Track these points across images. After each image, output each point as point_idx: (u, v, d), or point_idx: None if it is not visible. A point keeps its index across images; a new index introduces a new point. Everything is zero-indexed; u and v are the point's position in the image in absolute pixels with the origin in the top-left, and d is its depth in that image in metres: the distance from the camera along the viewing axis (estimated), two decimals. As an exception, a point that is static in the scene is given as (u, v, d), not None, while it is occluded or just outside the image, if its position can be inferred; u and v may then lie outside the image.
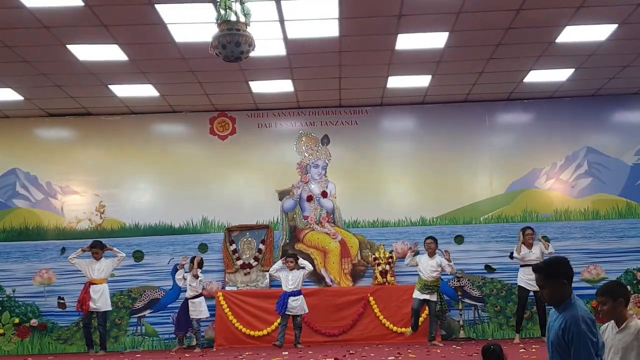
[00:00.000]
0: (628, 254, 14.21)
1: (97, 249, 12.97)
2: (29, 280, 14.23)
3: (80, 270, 13.06)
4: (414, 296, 12.60)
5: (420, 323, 12.68)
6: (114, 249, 13.16)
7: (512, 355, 8.63)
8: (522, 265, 12.65)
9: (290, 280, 12.60)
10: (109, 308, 13.01)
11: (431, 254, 12.71)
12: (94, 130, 14.77)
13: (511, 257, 13.35)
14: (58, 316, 13.97)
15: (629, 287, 13.87)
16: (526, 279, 12.40)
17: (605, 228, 14.38)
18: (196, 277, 12.91)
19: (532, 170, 14.59)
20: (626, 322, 5.91)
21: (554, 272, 5.03)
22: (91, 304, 12.62)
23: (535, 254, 12.55)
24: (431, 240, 12.83)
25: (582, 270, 14.07)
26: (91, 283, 12.74)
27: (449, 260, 12.65)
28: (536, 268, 5.18)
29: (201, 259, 13.32)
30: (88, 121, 14.76)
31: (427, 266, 12.55)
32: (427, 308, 12.61)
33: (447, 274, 13.08)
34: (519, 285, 12.75)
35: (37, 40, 10.68)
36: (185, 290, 13.20)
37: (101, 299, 12.72)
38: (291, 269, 12.70)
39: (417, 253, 12.98)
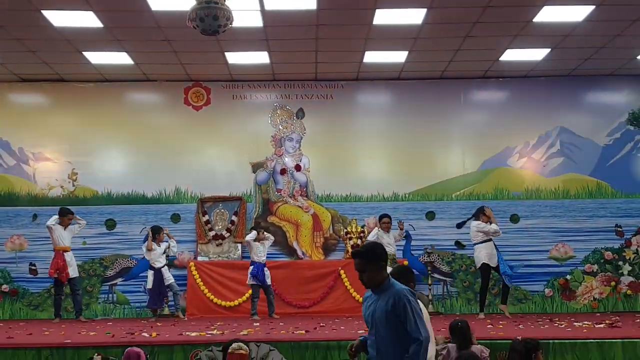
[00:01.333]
0: (597, 234, 14.40)
1: (71, 215, 12.82)
2: (0, 246, 14.14)
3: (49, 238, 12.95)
4: None
5: None
6: (76, 216, 12.99)
7: (478, 331, 8.74)
8: (483, 242, 12.63)
9: (262, 251, 12.71)
10: (77, 274, 12.96)
11: (387, 230, 12.98)
12: (67, 97, 14.65)
13: (458, 226, 13.35)
14: (29, 282, 13.93)
15: (596, 266, 14.09)
16: (487, 253, 12.43)
17: (575, 207, 14.54)
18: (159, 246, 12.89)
19: (504, 148, 14.71)
20: None
21: (373, 255, 5.36)
22: (70, 272, 12.57)
23: (492, 229, 12.49)
24: (387, 219, 13.08)
25: (550, 249, 14.24)
26: (64, 250, 12.63)
27: (401, 229, 13.05)
28: (356, 253, 5.48)
29: (154, 228, 13.17)
30: (62, 87, 14.62)
31: (385, 241, 12.62)
32: None
33: (412, 246, 13.65)
34: (483, 263, 12.52)
35: (12, 4, 10.57)
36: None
37: (72, 265, 12.68)
38: (260, 240, 12.78)
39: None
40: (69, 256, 12.66)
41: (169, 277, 12.88)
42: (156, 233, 12.94)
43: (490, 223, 12.48)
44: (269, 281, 12.69)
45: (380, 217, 13.25)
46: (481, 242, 12.54)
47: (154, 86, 14.78)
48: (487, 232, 12.42)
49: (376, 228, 13.21)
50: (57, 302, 12.82)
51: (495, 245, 12.47)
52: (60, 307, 12.85)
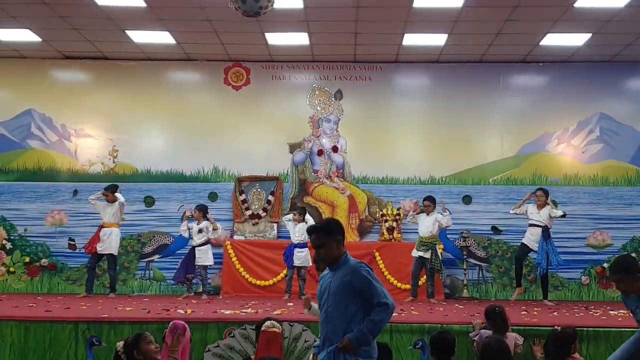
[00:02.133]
0: (635, 222, 14.28)
1: (109, 192, 12.77)
2: (40, 220, 14.42)
3: (95, 213, 13.09)
4: (412, 254, 12.74)
5: (420, 284, 12.83)
6: (118, 194, 12.87)
7: (513, 318, 8.75)
8: (530, 225, 12.59)
9: (297, 232, 12.68)
10: (114, 252, 12.74)
11: (428, 213, 12.78)
12: (109, 74, 14.83)
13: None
14: (68, 257, 14.17)
15: (634, 255, 13.96)
16: (531, 238, 12.39)
17: (613, 195, 14.43)
18: (212, 226, 12.95)
19: (543, 134, 14.61)
20: None
21: (331, 230, 5.48)
22: (98, 246, 12.57)
23: (542, 216, 12.45)
24: (428, 203, 12.82)
25: (588, 236, 14.16)
26: (103, 226, 12.70)
27: (443, 210, 12.74)
28: (312, 229, 5.60)
29: (200, 207, 13.21)
30: (104, 65, 14.81)
31: (424, 223, 12.65)
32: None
33: (447, 230, 13.42)
34: (522, 243, 12.59)
35: (56, -18, 10.72)
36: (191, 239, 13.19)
37: (107, 242, 12.56)
38: (298, 222, 12.77)
39: (421, 212, 13.06)
40: (104, 232, 12.59)
41: (200, 258, 12.79)
42: (206, 212, 13.02)
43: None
44: (297, 262, 12.55)
45: (423, 201, 13.15)
46: (528, 226, 12.56)
47: (194, 65, 14.90)
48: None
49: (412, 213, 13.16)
50: (88, 276, 12.85)
51: (545, 234, 12.31)
52: (92, 283, 12.82)
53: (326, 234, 5.43)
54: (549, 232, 12.26)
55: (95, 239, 12.66)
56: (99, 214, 12.93)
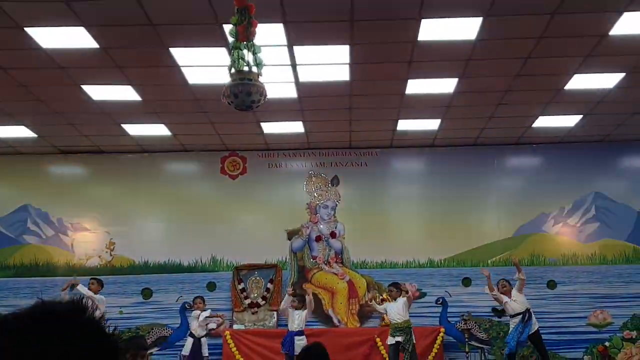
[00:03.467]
0: (635, 299, 14.21)
1: (93, 280, 12.57)
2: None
3: None
4: (387, 342, 12.44)
5: None
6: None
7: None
8: (510, 316, 12.53)
9: (296, 320, 12.54)
10: None
11: (395, 298, 12.61)
12: (106, 167, 14.94)
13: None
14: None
15: (635, 332, 13.85)
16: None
17: (612, 273, 14.40)
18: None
19: (540, 214, 14.66)
20: None
21: None
22: None
23: (517, 302, 12.39)
24: (392, 288, 12.72)
25: (588, 315, 14.06)
26: None
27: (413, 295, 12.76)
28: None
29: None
30: (100, 159, 14.93)
31: (393, 309, 12.45)
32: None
33: (448, 314, 13.46)
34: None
35: (52, 80, 10.86)
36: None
37: None
38: (296, 309, 12.67)
39: (383, 300, 13.25)
40: None
41: (205, 349, 12.91)
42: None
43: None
44: (297, 351, 12.32)
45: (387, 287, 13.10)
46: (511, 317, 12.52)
47: (191, 156, 15.02)
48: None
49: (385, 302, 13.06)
50: None
51: (527, 316, 12.22)
52: None
53: None
54: (530, 314, 12.21)
55: None
56: None
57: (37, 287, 14.41)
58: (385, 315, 13.50)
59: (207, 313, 13.13)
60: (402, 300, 12.54)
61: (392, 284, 12.91)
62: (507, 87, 11.47)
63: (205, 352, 12.97)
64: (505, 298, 12.41)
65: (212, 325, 13.16)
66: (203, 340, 12.96)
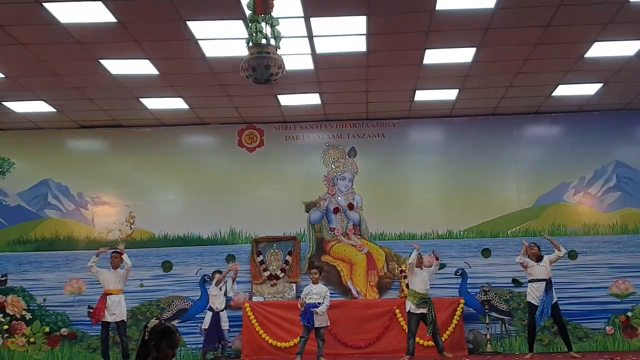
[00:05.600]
0: (657, 269, 14.12)
1: (115, 253, 12.57)
2: (59, 289, 14.41)
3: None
4: (410, 311, 12.21)
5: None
6: (125, 257, 12.59)
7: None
8: (530, 281, 12.36)
9: (315, 293, 12.56)
10: (124, 318, 12.51)
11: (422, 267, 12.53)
12: (124, 141, 14.97)
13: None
14: (88, 325, 14.03)
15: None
16: (534, 294, 12.21)
17: (633, 242, 14.30)
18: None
19: (560, 184, 14.56)
20: None
21: None
22: (107, 315, 12.26)
23: (542, 269, 12.18)
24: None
25: (610, 285, 14.00)
26: (108, 294, 12.39)
27: (437, 259, 12.73)
28: None
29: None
30: (119, 133, 14.96)
31: (422, 278, 12.32)
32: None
33: (468, 285, 13.60)
34: (528, 301, 12.37)
35: (70, 55, 10.88)
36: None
37: (118, 310, 12.32)
38: (315, 282, 12.69)
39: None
40: (112, 299, 12.32)
41: (226, 322, 13.00)
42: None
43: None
44: (317, 324, 12.21)
45: None
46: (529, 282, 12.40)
47: (208, 129, 15.02)
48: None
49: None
50: (102, 346, 12.57)
51: (547, 285, 12.14)
52: (107, 351, 12.56)
53: None
54: (551, 284, 12.12)
55: (101, 307, 12.34)
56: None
57: (59, 261, 14.54)
58: (405, 287, 13.45)
59: (225, 288, 13.11)
60: (429, 270, 12.54)
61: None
62: (526, 55, 11.36)
63: (225, 325, 13.05)
64: (530, 262, 12.28)
65: (230, 285, 13.09)
66: (222, 314, 13.01)
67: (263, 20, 6.24)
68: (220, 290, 13.11)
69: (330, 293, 13.07)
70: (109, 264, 12.60)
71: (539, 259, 12.25)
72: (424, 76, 12.30)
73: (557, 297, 12.28)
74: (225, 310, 13.11)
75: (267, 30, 6.23)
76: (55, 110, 13.78)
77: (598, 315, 13.86)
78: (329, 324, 12.51)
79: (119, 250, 12.62)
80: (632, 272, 14.09)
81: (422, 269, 12.47)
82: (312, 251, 14.55)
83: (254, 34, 6.20)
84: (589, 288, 13.95)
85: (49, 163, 15.01)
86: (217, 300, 12.99)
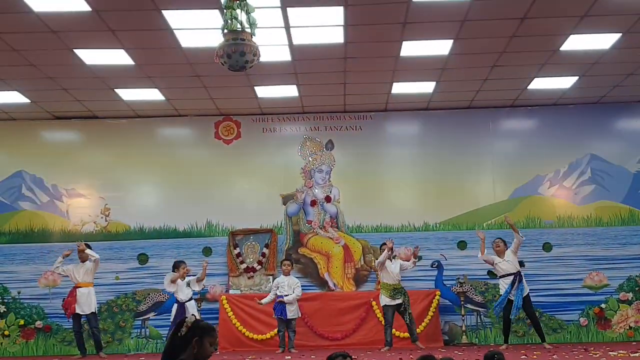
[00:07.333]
0: (630, 261, 14.23)
1: (80, 248, 12.58)
2: (34, 282, 14.29)
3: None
4: (386, 304, 12.43)
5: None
6: (89, 251, 12.63)
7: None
8: (500, 277, 12.46)
9: (287, 285, 12.61)
10: (95, 310, 12.53)
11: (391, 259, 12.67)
12: (99, 133, 14.86)
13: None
14: (62, 318, 13.84)
15: (631, 294, 13.93)
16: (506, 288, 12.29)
17: (607, 235, 14.42)
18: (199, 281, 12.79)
19: (535, 176, 14.65)
20: None
21: None
22: (77, 308, 12.33)
23: (509, 263, 12.33)
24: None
25: (584, 277, 14.11)
26: (77, 287, 12.45)
27: (415, 256, 12.81)
28: None
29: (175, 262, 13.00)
30: (94, 124, 14.84)
31: (394, 269, 12.51)
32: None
33: (444, 276, 13.78)
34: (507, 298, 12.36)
35: (44, 44, 10.79)
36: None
37: (87, 302, 12.37)
38: (286, 273, 12.73)
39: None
40: (81, 292, 12.39)
41: (193, 312, 12.65)
42: (175, 267, 12.84)
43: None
44: (289, 315, 12.42)
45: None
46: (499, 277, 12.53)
47: (184, 121, 14.95)
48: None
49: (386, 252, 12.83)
50: (76, 338, 12.66)
51: (517, 278, 12.24)
52: (82, 343, 12.64)
53: None
54: (521, 277, 12.22)
55: (71, 301, 12.40)
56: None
57: (33, 254, 14.41)
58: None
59: (188, 279, 12.82)
60: (402, 263, 12.70)
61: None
62: (503, 48, 11.41)
63: (193, 316, 12.66)
64: (496, 259, 12.40)
65: (196, 287, 12.85)
66: (188, 305, 12.59)
67: (238, 7, 6.21)
68: (183, 280, 12.76)
69: (307, 285, 13.13)
70: (77, 260, 12.63)
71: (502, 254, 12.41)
72: (402, 68, 12.32)
73: (531, 289, 12.40)
74: (192, 301, 12.76)
75: (242, 17, 6.21)
76: (30, 101, 13.65)
77: (572, 307, 13.97)
78: (300, 315, 12.62)
79: (79, 248, 12.61)
80: (606, 264, 14.21)
81: (391, 261, 12.56)
82: (289, 244, 14.53)
83: (229, 21, 6.17)
84: (563, 280, 14.07)
85: (23, 154, 14.85)
86: (180, 292, 12.67)
